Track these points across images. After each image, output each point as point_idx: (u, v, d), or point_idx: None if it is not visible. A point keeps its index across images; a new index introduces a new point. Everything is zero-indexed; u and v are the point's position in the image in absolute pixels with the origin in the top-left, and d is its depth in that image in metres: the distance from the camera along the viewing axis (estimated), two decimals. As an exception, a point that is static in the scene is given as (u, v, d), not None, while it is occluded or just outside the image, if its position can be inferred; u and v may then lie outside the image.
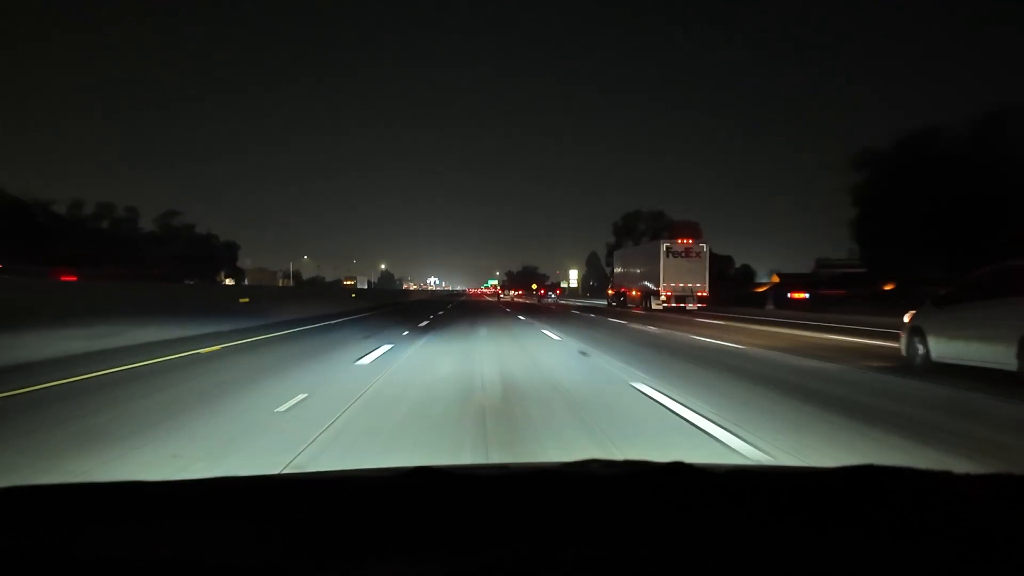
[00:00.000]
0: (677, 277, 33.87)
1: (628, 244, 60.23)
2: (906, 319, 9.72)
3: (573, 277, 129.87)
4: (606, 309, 38.36)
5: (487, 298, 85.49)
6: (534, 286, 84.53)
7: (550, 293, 74.67)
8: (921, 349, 8.92)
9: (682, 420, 5.34)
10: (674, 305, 33.21)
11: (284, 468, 3.81)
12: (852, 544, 0.86)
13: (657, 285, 34.05)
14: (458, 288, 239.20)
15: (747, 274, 66.72)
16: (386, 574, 0.75)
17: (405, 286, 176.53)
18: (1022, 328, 7.04)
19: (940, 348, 8.53)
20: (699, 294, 33.72)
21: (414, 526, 0.88)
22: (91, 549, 0.81)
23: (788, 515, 0.95)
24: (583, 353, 11.06)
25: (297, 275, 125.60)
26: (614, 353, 10.99)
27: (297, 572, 0.75)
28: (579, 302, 66.00)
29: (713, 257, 37.50)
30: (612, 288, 45.42)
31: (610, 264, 57.82)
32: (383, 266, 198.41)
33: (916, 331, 9.11)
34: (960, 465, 3.84)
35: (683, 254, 34.45)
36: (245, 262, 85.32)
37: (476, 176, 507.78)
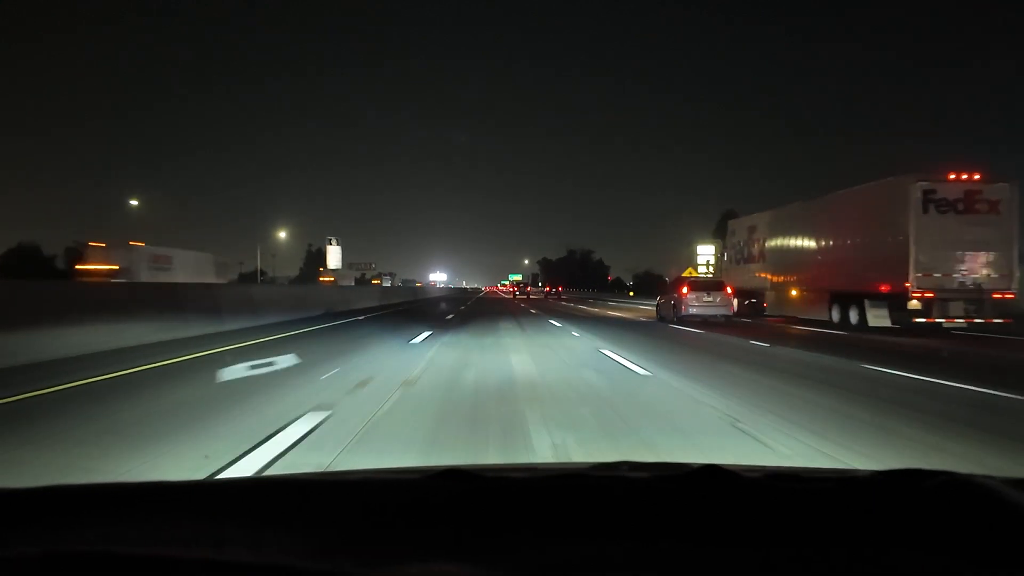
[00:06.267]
0: (951, 253, 16.35)
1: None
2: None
3: (706, 256, 71.19)
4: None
5: (502, 294, 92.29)
6: (547, 288, 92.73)
7: (553, 290, 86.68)
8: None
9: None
10: (942, 322, 16.31)
11: None
12: (883, 552, 0.86)
13: (901, 271, 16.56)
14: (469, 287, 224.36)
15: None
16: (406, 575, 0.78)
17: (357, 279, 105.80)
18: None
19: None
20: (997, 296, 16.28)
21: (439, 529, 0.92)
22: (114, 548, 0.81)
23: (821, 521, 0.96)
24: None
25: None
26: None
27: (313, 573, 0.76)
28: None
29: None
30: (730, 281, 23.41)
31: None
32: (309, 243, 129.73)
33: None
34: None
35: (960, 206, 16.36)
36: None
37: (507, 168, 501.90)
